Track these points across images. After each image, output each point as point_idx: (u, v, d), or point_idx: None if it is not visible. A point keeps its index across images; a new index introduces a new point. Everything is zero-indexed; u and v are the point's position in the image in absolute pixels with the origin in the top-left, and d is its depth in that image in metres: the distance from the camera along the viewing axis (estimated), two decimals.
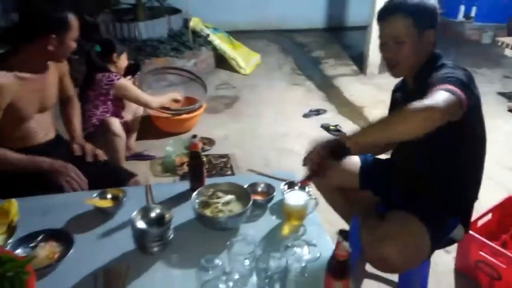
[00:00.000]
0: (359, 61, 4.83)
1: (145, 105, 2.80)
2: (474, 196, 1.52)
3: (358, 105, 3.93)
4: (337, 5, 6.52)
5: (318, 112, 3.78)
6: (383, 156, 1.80)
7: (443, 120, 1.12)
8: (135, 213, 1.27)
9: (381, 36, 1.45)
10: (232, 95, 4.25)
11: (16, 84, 1.60)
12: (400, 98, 1.59)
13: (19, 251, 1.23)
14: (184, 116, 3.27)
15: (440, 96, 1.13)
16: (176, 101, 3.09)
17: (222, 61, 4.87)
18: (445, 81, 1.21)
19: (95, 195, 1.49)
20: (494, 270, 1.79)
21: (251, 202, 1.36)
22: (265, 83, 4.53)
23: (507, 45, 3.53)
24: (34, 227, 1.33)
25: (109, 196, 1.50)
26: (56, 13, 1.61)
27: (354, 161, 1.74)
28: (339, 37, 6.19)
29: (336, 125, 3.47)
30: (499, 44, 3.64)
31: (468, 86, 1.23)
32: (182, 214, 1.42)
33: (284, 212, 1.43)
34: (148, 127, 3.28)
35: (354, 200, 1.80)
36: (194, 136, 1.52)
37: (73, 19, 1.64)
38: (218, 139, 3.31)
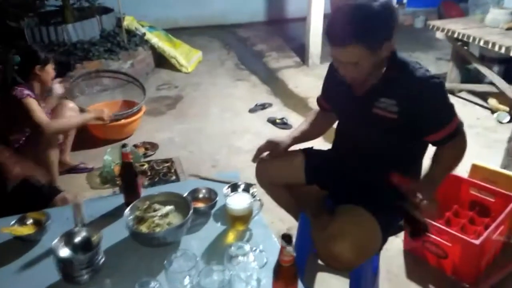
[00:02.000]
0: (301, 53, 4.83)
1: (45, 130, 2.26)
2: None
3: (302, 96, 3.91)
4: None
5: (264, 106, 3.72)
6: (326, 147, 1.76)
7: None
8: (56, 240, 1.12)
9: (334, 59, 1.34)
10: (175, 95, 4.08)
11: None
12: (345, 101, 1.50)
13: None
14: (123, 121, 3.07)
15: (462, 145, 1.39)
16: (101, 119, 2.70)
17: (162, 61, 4.67)
18: (449, 118, 1.34)
19: (12, 222, 1.31)
20: (440, 248, 1.82)
21: (191, 211, 1.26)
22: (209, 80, 4.40)
23: (438, 28, 3.66)
24: None
25: (29, 221, 1.33)
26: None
27: (297, 155, 1.68)
28: (281, 29, 6.18)
29: (282, 118, 3.43)
30: (431, 27, 3.77)
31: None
32: (115, 233, 1.29)
33: (227, 217, 1.34)
34: (84, 136, 3.05)
35: (300, 196, 1.74)
36: (125, 146, 1.38)
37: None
38: (162, 143, 3.15)
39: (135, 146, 2.84)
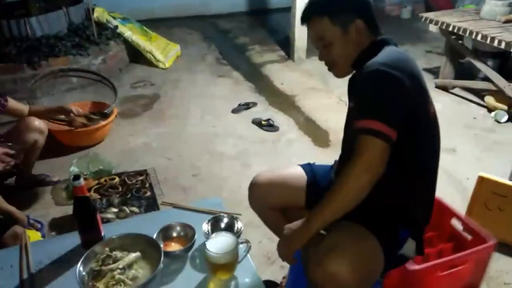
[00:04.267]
0: (286, 46, 4.57)
1: None
2: (426, 209, 1.29)
3: (289, 94, 3.67)
4: None
5: (248, 105, 3.46)
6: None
7: (379, 174, 1.05)
8: None
9: (310, 39, 1.30)
10: (151, 93, 3.78)
11: None
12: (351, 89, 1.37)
13: None
14: (92, 126, 2.77)
15: (364, 158, 1.04)
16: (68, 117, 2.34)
17: (137, 56, 4.34)
18: (367, 115, 1.07)
19: None
20: None
21: (161, 262, 1.01)
22: (188, 77, 4.10)
23: (431, 21, 3.46)
24: None
25: None
26: None
27: (298, 174, 1.46)
28: (264, 20, 5.89)
29: (268, 119, 3.18)
30: (423, 20, 3.57)
31: (395, 105, 1.08)
32: (70, 287, 1.03)
33: (207, 265, 1.10)
34: (49, 143, 2.70)
35: (296, 219, 1.51)
36: (77, 177, 1.12)
37: None
38: (136, 149, 2.87)
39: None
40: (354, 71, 1.28)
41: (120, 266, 1.02)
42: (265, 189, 1.44)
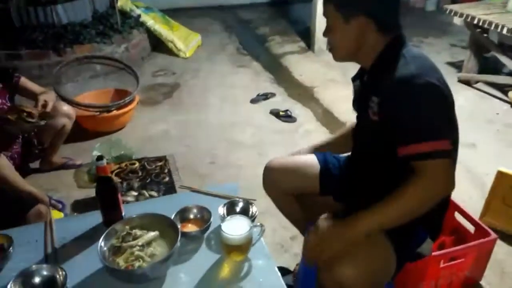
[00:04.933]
0: (307, 37, 4.54)
1: None
2: (443, 206, 1.28)
3: (308, 85, 3.66)
4: None
5: (266, 96, 3.48)
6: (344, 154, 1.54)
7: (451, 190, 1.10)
8: (11, 282, 0.92)
9: None
10: (172, 82, 3.83)
11: None
12: (358, 89, 1.35)
13: None
14: (114, 113, 2.84)
15: (432, 185, 1.04)
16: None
17: (159, 45, 4.40)
18: (427, 136, 1.03)
19: None
20: None
21: (178, 242, 1.05)
22: (208, 67, 4.14)
23: (456, 13, 3.38)
24: None
25: None
26: None
27: (312, 162, 1.47)
28: (285, 11, 5.86)
29: (286, 110, 3.19)
30: (447, 12, 3.49)
31: (446, 116, 1.09)
32: (90, 262, 1.09)
33: (222, 246, 1.13)
34: (72, 128, 2.80)
35: (311, 207, 1.53)
36: (100, 158, 1.17)
37: None
38: (157, 136, 2.94)
39: None
40: (371, 69, 1.21)
41: (140, 244, 1.06)
42: (279, 174, 1.46)
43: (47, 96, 2.13)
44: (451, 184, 1.06)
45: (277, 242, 1.97)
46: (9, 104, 2.10)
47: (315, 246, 1.09)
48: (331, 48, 1.24)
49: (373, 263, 1.08)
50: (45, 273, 0.97)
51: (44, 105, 2.08)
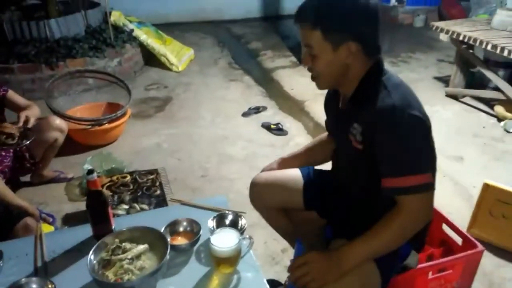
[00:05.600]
0: (298, 52, 4.63)
1: None
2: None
3: (299, 99, 3.72)
4: None
5: (258, 109, 3.52)
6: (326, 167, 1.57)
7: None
8: None
9: (300, 38, 1.20)
10: (164, 96, 3.86)
11: None
12: (334, 113, 1.35)
13: None
14: (106, 126, 2.86)
15: (414, 217, 1.09)
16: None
17: (151, 59, 4.45)
18: (410, 170, 1.07)
19: None
20: None
21: (167, 256, 1.06)
22: (200, 80, 4.18)
23: (442, 30, 3.47)
24: None
25: None
26: None
27: (296, 177, 1.49)
28: (276, 26, 5.97)
29: (277, 124, 3.23)
30: (434, 28, 3.59)
31: (429, 150, 1.12)
32: (80, 275, 1.09)
33: (212, 258, 1.14)
34: (64, 142, 2.81)
35: (298, 221, 1.55)
36: (91, 172, 1.18)
37: None
38: (148, 150, 2.95)
39: None
40: (353, 96, 1.19)
41: (129, 257, 1.07)
42: (263, 189, 1.48)
43: (29, 112, 2.10)
44: (431, 214, 1.13)
45: (268, 255, 1.98)
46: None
47: (305, 276, 1.10)
48: (315, 77, 1.19)
49: (357, 281, 1.10)
50: (34, 286, 0.97)
51: (26, 122, 2.05)
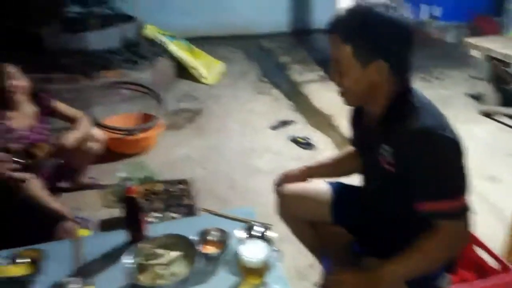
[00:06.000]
0: (326, 66, 4.65)
1: None
2: None
3: (326, 113, 3.72)
4: (301, 7, 6.35)
5: (286, 123, 3.55)
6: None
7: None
8: None
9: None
10: (195, 108, 3.96)
11: None
12: (360, 132, 1.36)
13: None
14: (139, 135, 2.96)
15: (452, 241, 1.08)
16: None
17: (183, 71, 4.57)
18: (446, 194, 1.06)
19: (4, 261, 1.18)
20: None
21: (198, 262, 1.10)
22: (230, 93, 4.27)
23: (474, 46, 3.43)
24: None
25: (22, 260, 1.20)
26: None
27: (325, 190, 1.49)
28: (305, 40, 6.01)
29: (305, 137, 3.25)
30: (465, 45, 3.54)
31: (463, 172, 1.08)
32: (116, 278, 1.15)
33: (240, 268, 1.18)
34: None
35: (325, 236, 1.56)
36: (128, 179, 1.25)
37: None
38: (178, 160, 3.03)
39: None
40: (383, 117, 1.17)
41: (162, 263, 1.12)
42: (290, 201, 1.50)
43: (70, 137, 2.15)
44: (468, 237, 1.14)
45: (295, 269, 1.98)
46: (48, 127, 2.22)
47: None
48: (343, 93, 1.19)
49: None
50: (76, 286, 1.03)
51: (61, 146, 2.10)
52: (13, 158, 1.70)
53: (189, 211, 2.18)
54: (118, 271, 1.15)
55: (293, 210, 1.52)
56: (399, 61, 1.12)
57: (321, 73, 4.69)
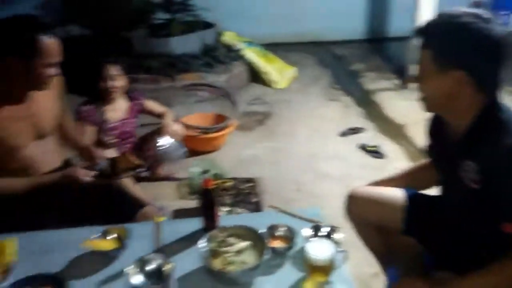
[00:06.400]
0: (401, 74, 4.50)
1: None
2: None
3: (399, 123, 3.62)
4: (378, 15, 6.20)
5: (355, 130, 3.51)
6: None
7: None
8: (131, 267, 1.11)
9: None
10: (265, 111, 4.07)
11: None
12: (440, 145, 1.33)
13: None
14: (213, 134, 3.13)
15: None
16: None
17: (256, 76, 4.71)
18: None
19: (94, 236, 1.34)
20: None
21: (266, 253, 1.16)
22: (300, 98, 4.31)
23: None
24: (30, 268, 1.23)
25: (111, 236, 1.36)
26: (22, 35, 1.35)
27: (399, 197, 1.45)
28: (380, 48, 5.87)
29: (375, 146, 3.19)
30: None
31: None
32: (191, 260, 1.25)
33: (306, 265, 1.21)
34: None
35: (393, 245, 1.53)
36: (206, 172, 1.35)
37: (45, 43, 1.38)
38: (247, 160, 3.14)
39: None
40: (468, 132, 1.15)
41: (234, 250, 1.20)
42: (361, 203, 1.48)
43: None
44: None
45: (359, 278, 1.96)
46: (136, 121, 2.47)
47: None
48: (422, 98, 1.20)
49: None
50: (157, 261, 1.15)
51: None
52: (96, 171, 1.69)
53: (256, 208, 2.27)
54: (194, 254, 1.25)
55: (363, 211, 1.50)
56: (484, 76, 1.09)
57: (396, 81, 4.55)
